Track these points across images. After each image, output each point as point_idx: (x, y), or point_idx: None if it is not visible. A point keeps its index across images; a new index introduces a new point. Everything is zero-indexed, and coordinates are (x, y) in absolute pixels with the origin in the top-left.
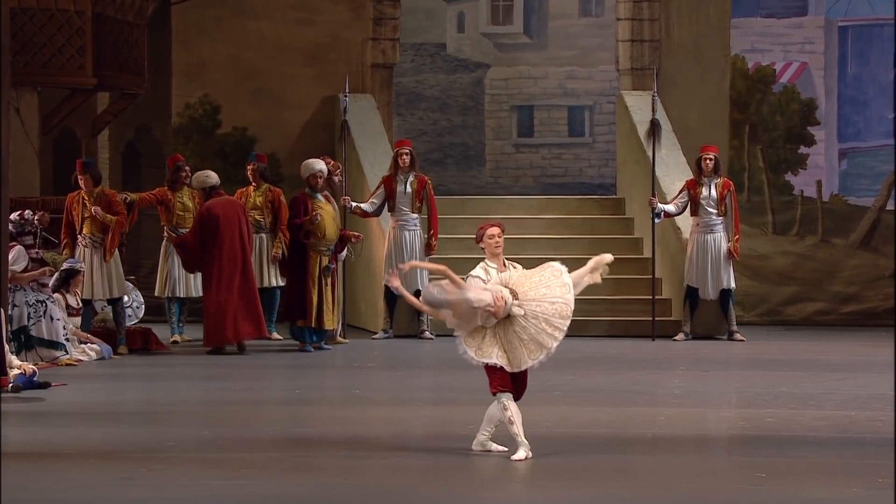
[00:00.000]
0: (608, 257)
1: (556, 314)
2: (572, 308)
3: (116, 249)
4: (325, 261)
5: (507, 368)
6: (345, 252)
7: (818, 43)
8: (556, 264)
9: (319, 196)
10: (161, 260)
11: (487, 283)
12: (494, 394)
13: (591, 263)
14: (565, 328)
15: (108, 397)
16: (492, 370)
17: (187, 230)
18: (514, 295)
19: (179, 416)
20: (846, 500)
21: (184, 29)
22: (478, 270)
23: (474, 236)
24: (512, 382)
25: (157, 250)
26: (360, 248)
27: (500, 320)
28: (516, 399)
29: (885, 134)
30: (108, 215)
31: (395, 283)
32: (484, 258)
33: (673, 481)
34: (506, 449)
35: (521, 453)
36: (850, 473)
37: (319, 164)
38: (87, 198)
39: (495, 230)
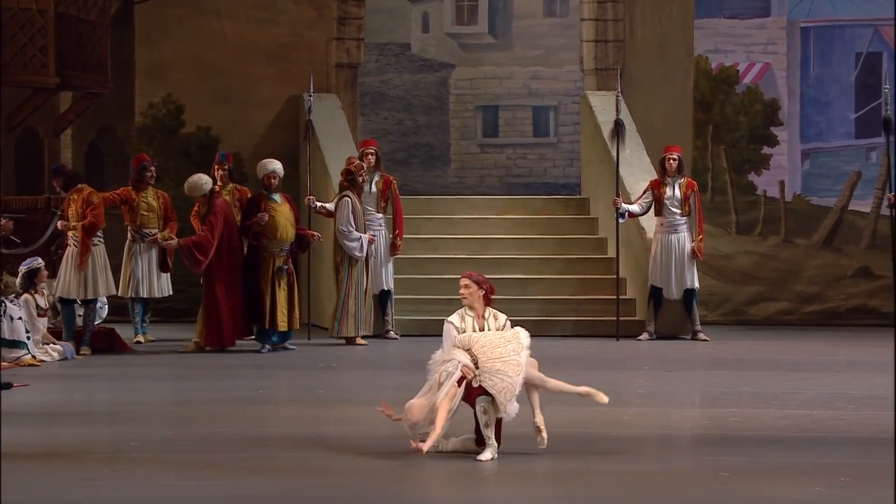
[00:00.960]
0: (603, 399)
1: (508, 369)
2: (517, 382)
3: (93, 252)
4: (279, 262)
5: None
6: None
7: (781, 44)
8: (523, 337)
9: (276, 196)
10: (125, 260)
11: (458, 336)
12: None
13: (584, 389)
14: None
15: (71, 398)
16: (471, 387)
17: (154, 231)
18: (475, 361)
19: (143, 416)
20: (809, 499)
21: (147, 28)
22: (454, 317)
23: (436, 237)
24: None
25: (120, 250)
26: (321, 248)
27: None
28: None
29: (846, 134)
30: (73, 223)
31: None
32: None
33: (636, 481)
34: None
35: (487, 454)
36: (812, 473)
37: (273, 165)
38: (71, 198)
39: (464, 281)
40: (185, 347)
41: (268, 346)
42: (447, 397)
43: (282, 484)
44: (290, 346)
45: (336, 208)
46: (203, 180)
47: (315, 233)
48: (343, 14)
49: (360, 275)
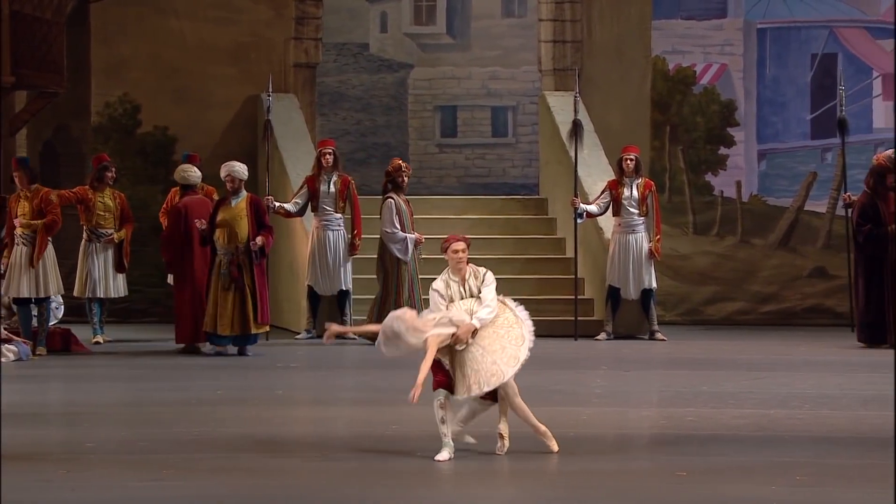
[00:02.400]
0: (553, 447)
1: (505, 360)
2: (509, 370)
3: (45, 251)
4: (225, 265)
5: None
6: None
7: (737, 45)
8: (528, 333)
9: (235, 200)
10: (80, 260)
11: (447, 301)
12: (435, 388)
13: (543, 428)
14: (510, 372)
15: (27, 398)
16: (437, 368)
17: (110, 231)
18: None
19: (100, 417)
20: (766, 498)
21: (103, 27)
22: (439, 283)
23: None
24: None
25: (76, 250)
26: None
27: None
28: (486, 396)
29: (802, 135)
30: (33, 221)
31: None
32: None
33: (594, 480)
34: (475, 441)
35: (445, 454)
36: (769, 472)
37: (229, 167)
38: (22, 195)
39: (460, 245)
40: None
41: (211, 347)
42: (436, 339)
43: (241, 485)
44: (246, 354)
45: (380, 210)
46: (188, 171)
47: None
48: (301, 14)
49: (405, 275)
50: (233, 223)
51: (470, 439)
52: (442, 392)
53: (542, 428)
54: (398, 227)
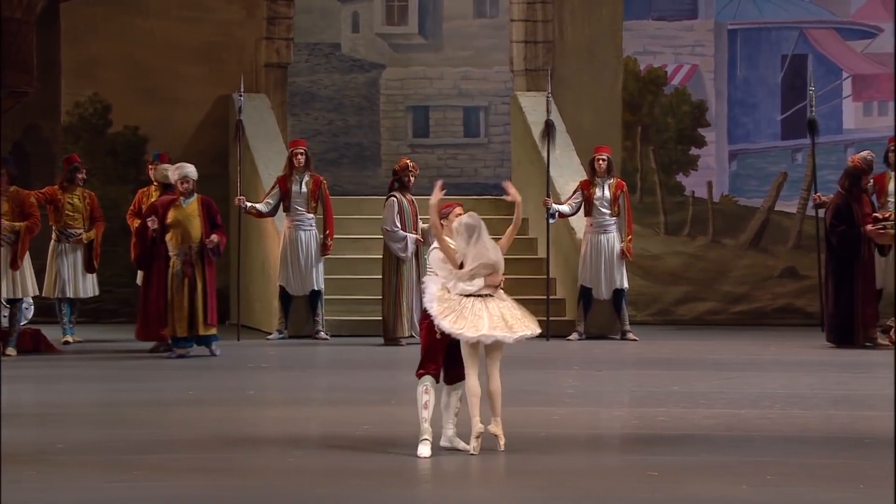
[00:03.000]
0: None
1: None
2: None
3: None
4: (178, 265)
5: (466, 333)
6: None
7: (708, 46)
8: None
9: (186, 201)
10: (49, 260)
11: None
12: (419, 376)
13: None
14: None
15: None
16: (431, 350)
17: (79, 231)
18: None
19: (70, 417)
20: (736, 497)
21: (73, 27)
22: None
23: (367, 238)
24: (448, 365)
25: (45, 250)
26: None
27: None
28: (460, 380)
29: (773, 135)
30: (15, 223)
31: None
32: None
33: (566, 480)
34: (469, 447)
35: (426, 449)
36: (739, 471)
37: (181, 170)
38: (5, 196)
39: (460, 209)
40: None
41: (174, 352)
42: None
43: (213, 485)
44: (215, 352)
45: (384, 208)
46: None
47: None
48: (272, 14)
49: (410, 274)
50: (186, 224)
51: (465, 445)
52: (429, 379)
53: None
54: (398, 226)
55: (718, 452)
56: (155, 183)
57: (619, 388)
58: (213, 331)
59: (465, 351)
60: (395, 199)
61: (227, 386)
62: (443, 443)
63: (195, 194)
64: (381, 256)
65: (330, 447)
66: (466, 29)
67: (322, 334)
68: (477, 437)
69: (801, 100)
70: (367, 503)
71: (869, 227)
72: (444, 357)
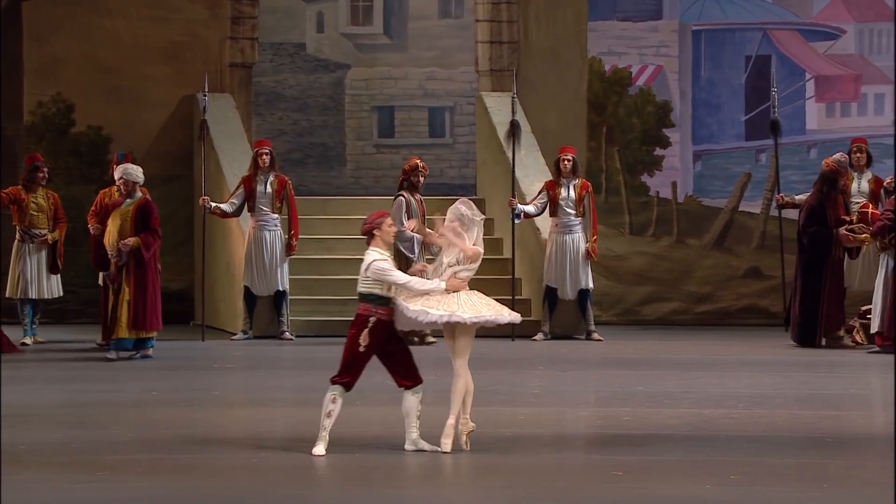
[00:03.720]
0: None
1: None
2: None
3: None
4: (113, 267)
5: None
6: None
7: (673, 46)
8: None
9: (127, 202)
10: (13, 260)
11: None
12: (333, 382)
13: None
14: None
15: None
16: (352, 360)
17: (43, 231)
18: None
19: (33, 418)
20: (699, 496)
21: (35, 25)
22: (382, 261)
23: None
24: (402, 372)
25: (9, 250)
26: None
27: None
28: (417, 384)
29: (737, 136)
30: None
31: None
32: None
33: (531, 480)
34: (438, 448)
35: (321, 448)
36: (703, 471)
37: (123, 170)
38: None
39: (389, 219)
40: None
41: (113, 353)
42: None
43: (177, 485)
44: (148, 354)
45: (392, 207)
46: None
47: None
48: (237, 13)
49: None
50: (122, 225)
51: (429, 446)
52: (338, 388)
53: (452, 422)
54: (405, 225)
55: (682, 452)
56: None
57: (584, 388)
58: (138, 334)
59: (448, 344)
60: (402, 199)
61: (192, 386)
62: (407, 446)
63: (138, 195)
64: (345, 257)
65: (295, 448)
66: (431, 29)
67: (287, 335)
68: (449, 436)
69: (764, 100)
70: (332, 503)
71: (842, 230)
72: (364, 369)
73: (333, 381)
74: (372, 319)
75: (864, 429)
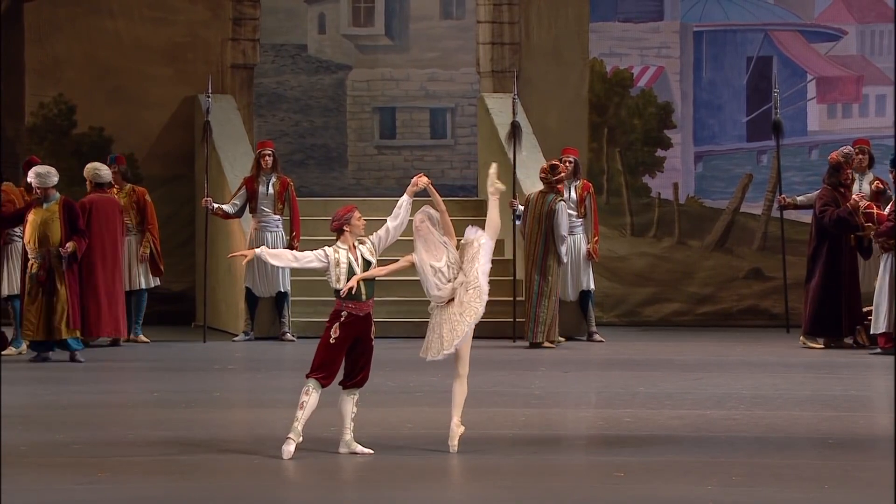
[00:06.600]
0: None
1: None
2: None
3: None
4: (35, 268)
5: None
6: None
7: (674, 47)
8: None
9: (46, 203)
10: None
11: (328, 262)
12: (307, 377)
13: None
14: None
15: None
16: (325, 354)
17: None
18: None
19: (32, 419)
20: (701, 497)
21: (37, 27)
22: (325, 249)
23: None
24: (348, 370)
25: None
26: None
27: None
28: (357, 386)
29: (738, 137)
30: None
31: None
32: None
33: (532, 480)
34: (371, 451)
35: (290, 448)
36: (705, 471)
37: (34, 174)
38: None
39: (358, 212)
40: None
41: (23, 348)
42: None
43: (177, 486)
44: (78, 358)
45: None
46: (98, 169)
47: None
48: (238, 14)
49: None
50: (44, 226)
51: (363, 449)
52: (313, 382)
53: (457, 422)
54: (565, 233)
55: (684, 453)
56: (116, 186)
57: (586, 389)
58: (76, 335)
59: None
60: (564, 204)
61: (193, 387)
62: (341, 449)
63: (56, 196)
64: None
65: (296, 449)
66: (433, 30)
67: (288, 335)
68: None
69: (766, 102)
70: (330, 500)
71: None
72: (340, 364)
73: (308, 376)
74: (343, 313)
75: (865, 430)
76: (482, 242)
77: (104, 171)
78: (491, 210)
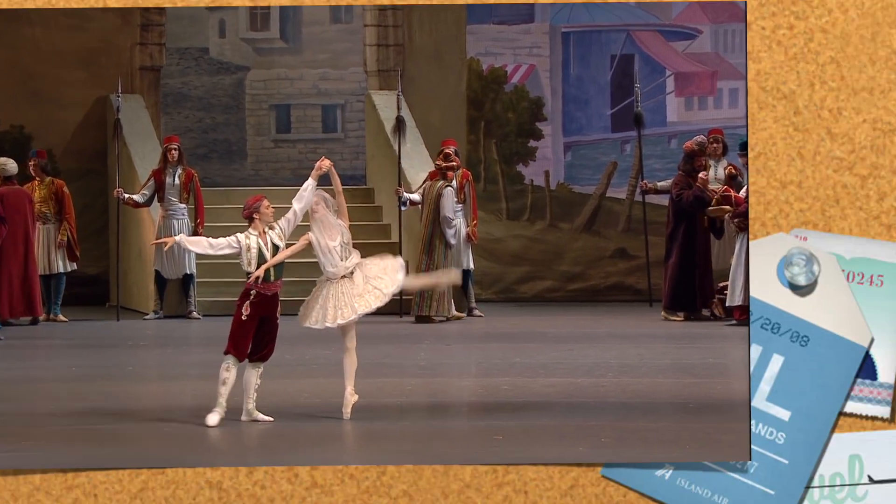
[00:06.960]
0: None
1: (384, 285)
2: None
3: None
4: None
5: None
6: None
7: (544, 47)
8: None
9: None
10: None
11: (240, 247)
12: (225, 353)
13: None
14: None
15: None
16: (238, 331)
17: None
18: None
19: None
20: (573, 458)
21: None
22: (237, 235)
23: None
24: (255, 345)
25: None
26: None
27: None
28: (262, 360)
29: (604, 129)
30: None
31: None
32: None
33: (419, 443)
34: (272, 419)
35: (215, 417)
36: (577, 434)
37: None
38: None
39: (267, 201)
40: None
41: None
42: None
43: (95, 452)
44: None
45: (442, 198)
46: (5, 162)
47: None
48: (146, 21)
49: (451, 259)
50: None
51: (264, 417)
52: (231, 358)
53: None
54: (451, 215)
55: (557, 417)
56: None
57: (467, 361)
58: None
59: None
60: (450, 189)
61: (109, 362)
62: (243, 417)
63: None
64: None
65: (202, 417)
66: (324, 34)
67: (194, 314)
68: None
69: (628, 96)
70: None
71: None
72: (251, 340)
73: (226, 352)
74: (253, 292)
75: (722, 395)
76: (401, 264)
77: (11, 165)
78: (420, 278)
